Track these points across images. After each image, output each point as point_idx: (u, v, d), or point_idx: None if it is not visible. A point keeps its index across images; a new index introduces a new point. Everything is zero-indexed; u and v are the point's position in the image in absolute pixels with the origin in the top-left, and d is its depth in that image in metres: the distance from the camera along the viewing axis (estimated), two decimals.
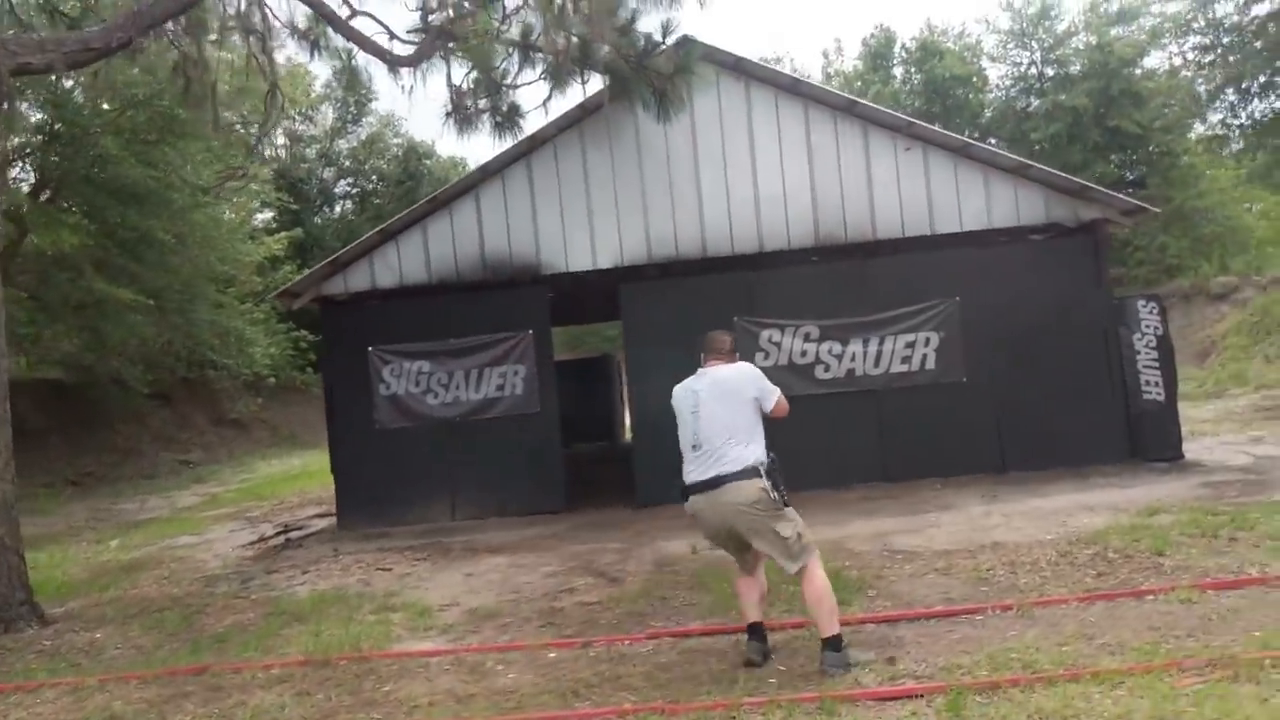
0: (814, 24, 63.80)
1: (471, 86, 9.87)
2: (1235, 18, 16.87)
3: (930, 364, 10.44)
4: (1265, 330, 21.50)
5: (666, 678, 4.65)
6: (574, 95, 9.73)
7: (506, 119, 10.14)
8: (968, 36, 34.78)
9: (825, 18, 62.41)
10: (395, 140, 32.89)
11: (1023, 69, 32.24)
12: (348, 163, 33.19)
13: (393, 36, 9.56)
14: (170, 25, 7.71)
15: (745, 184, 10.54)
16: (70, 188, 16.78)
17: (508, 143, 10.40)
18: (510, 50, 9.50)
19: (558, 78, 9.19)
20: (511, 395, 10.58)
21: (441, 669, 5.09)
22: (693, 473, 4.67)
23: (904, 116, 10.91)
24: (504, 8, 8.84)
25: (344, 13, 9.28)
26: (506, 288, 10.68)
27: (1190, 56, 23.54)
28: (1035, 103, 31.83)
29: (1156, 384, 10.34)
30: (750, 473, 4.51)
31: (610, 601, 6.30)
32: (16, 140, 16.39)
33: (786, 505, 4.58)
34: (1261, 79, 15.91)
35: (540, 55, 9.24)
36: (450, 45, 8.39)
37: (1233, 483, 8.61)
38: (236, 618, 6.67)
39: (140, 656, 5.80)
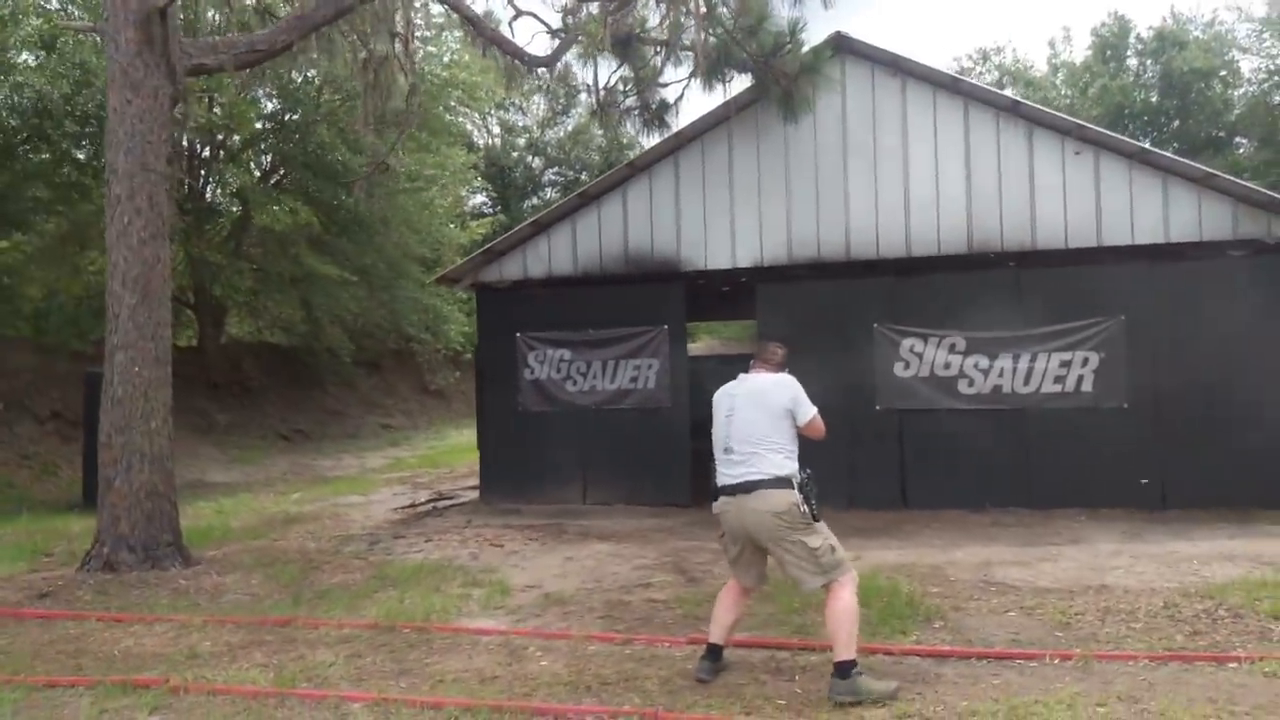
0: (1042, 10, 59.56)
1: (620, 85, 10.19)
2: None
3: (1087, 386, 9.71)
4: None
5: (682, 684, 4.71)
6: (719, 95, 9.88)
7: (655, 116, 10.39)
8: (1219, 25, 31.50)
9: (1055, 5, 58.12)
10: (599, 132, 34.04)
11: (1278, 62, 28.83)
12: (554, 153, 34.65)
13: (553, 34, 10.01)
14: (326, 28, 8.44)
15: (895, 185, 10.20)
16: (294, 172, 18.65)
17: (655, 139, 10.66)
18: (658, 49, 9.72)
19: (706, 76, 9.32)
20: (644, 388, 10.83)
21: (486, 648, 5.40)
22: (723, 476, 4.72)
23: (1073, 119, 10.14)
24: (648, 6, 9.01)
25: (508, 13, 9.84)
26: (645, 282, 10.91)
27: None
28: None
29: None
30: (781, 483, 4.52)
31: (678, 601, 6.41)
32: (257, 127, 18.46)
33: (817, 520, 4.55)
34: None
35: (686, 53, 9.41)
36: (586, 43, 8.66)
37: None
38: (345, 576, 7.33)
39: (250, 602, 6.53)
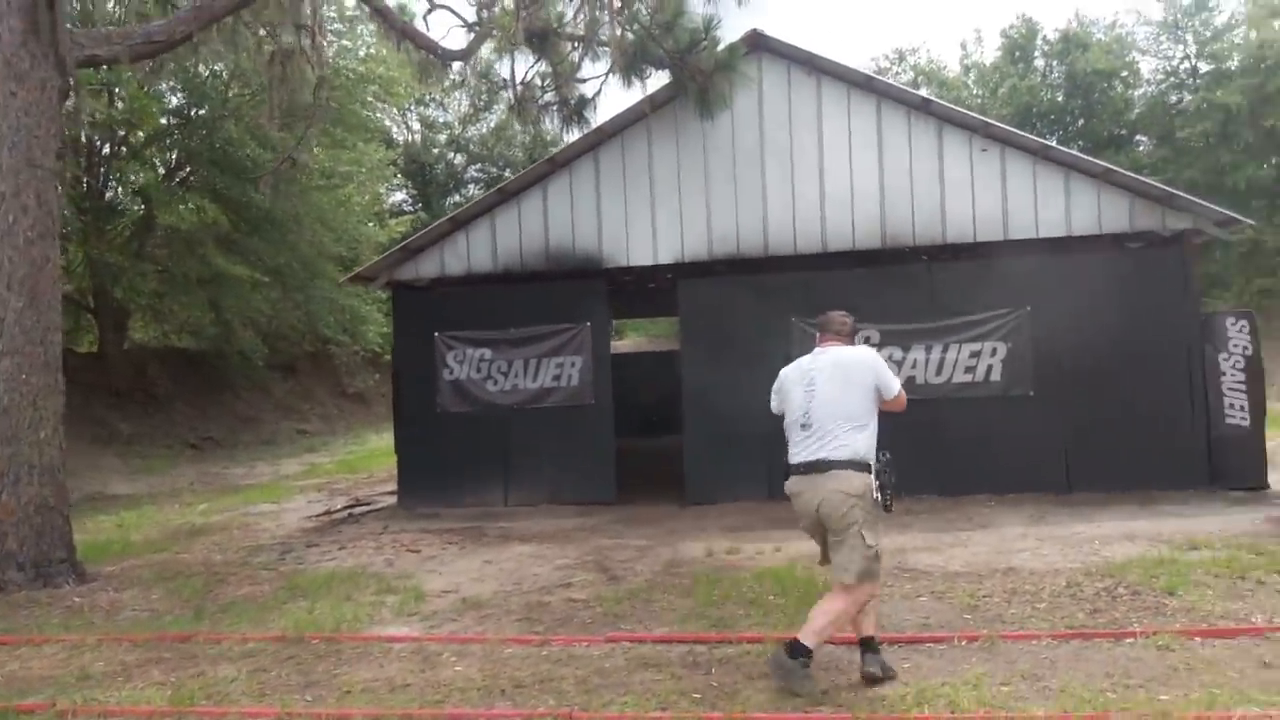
0: (954, 13, 61.24)
1: (539, 80, 10.08)
2: None
3: (995, 375, 9.98)
4: None
5: (598, 683, 4.67)
6: (639, 91, 9.85)
7: (575, 112, 10.30)
8: (1120, 28, 32.71)
9: (967, 7, 59.75)
10: (520, 129, 33.71)
11: (1175, 64, 30.10)
12: (477, 149, 34.23)
13: (469, 28, 9.85)
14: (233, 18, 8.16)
15: (812, 182, 10.31)
16: (200, 169, 18.03)
17: (575, 135, 10.59)
18: (575, 45, 9.64)
19: (625, 73, 9.28)
20: (568, 386, 10.75)
21: (398, 656, 5.26)
22: (799, 453, 4.49)
23: (981, 117, 10.40)
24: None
25: (423, 6, 9.65)
26: (567, 279, 10.83)
27: None
28: (1186, 99, 29.68)
29: (1242, 407, 9.63)
30: (859, 465, 4.34)
31: (598, 600, 6.35)
32: (161, 123, 17.78)
33: (889, 510, 4.43)
34: None
35: (605, 48, 9.35)
36: (501, 38, 8.55)
37: None
38: (252, 588, 7.08)
39: (149, 619, 6.25)
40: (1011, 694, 4.21)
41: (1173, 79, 31.09)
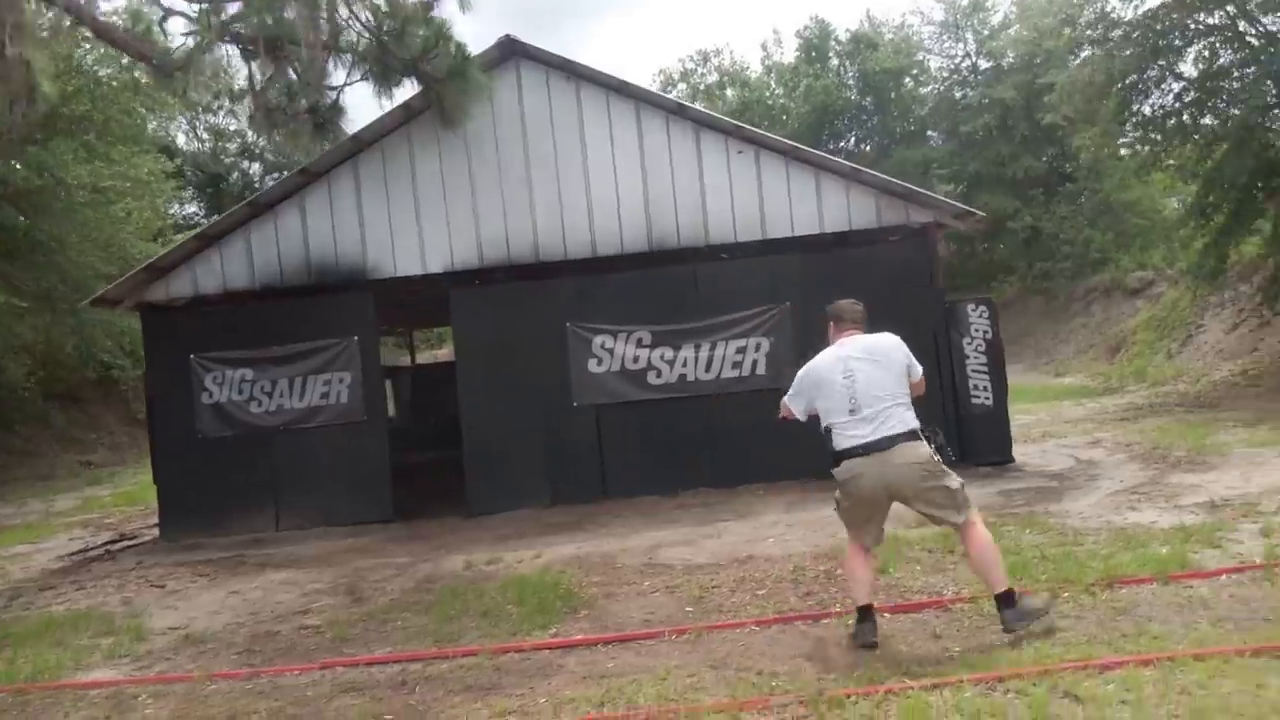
0: (754, 14, 63.54)
1: (286, 88, 9.65)
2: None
3: (761, 369, 10.31)
4: (1170, 326, 21.47)
5: (292, 713, 4.53)
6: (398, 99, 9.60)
7: (326, 119, 9.93)
8: (907, 28, 34.78)
9: (766, 8, 62.05)
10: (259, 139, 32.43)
11: (957, 61, 32.27)
12: (274, 157, 32.78)
13: (189, 35, 9.28)
14: None
15: (578, 187, 10.36)
16: None
17: (326, 145, 10.21)
18: (320, 51, 9.29)
19: (378, 81, 9.00)
20: (337, 403, 10.38)
21: (91, 703, 4.94)
22: (854, 436, 4.60)
23: (733, 121, 10.76)
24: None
25: (158, 13, 9.05)
26: (330, 293, 10.48)
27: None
28: (969, 94, 31.85)
29: (985, 388, 10.28)
30: (915, 436, 4.57)
31: (332, 625, 6.14)
32: None
33: (953, 461, 4.71)
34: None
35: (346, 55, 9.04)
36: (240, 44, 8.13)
37: (1032, 490, 8.58)
38: None
39: None
40: (693, 684, 4.32)
41: (956, 76, 33.26)
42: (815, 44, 33.61)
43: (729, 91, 35.00)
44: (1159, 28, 15.84)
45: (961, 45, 32.32)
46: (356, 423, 10.36)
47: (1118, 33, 16.57)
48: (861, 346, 4.79)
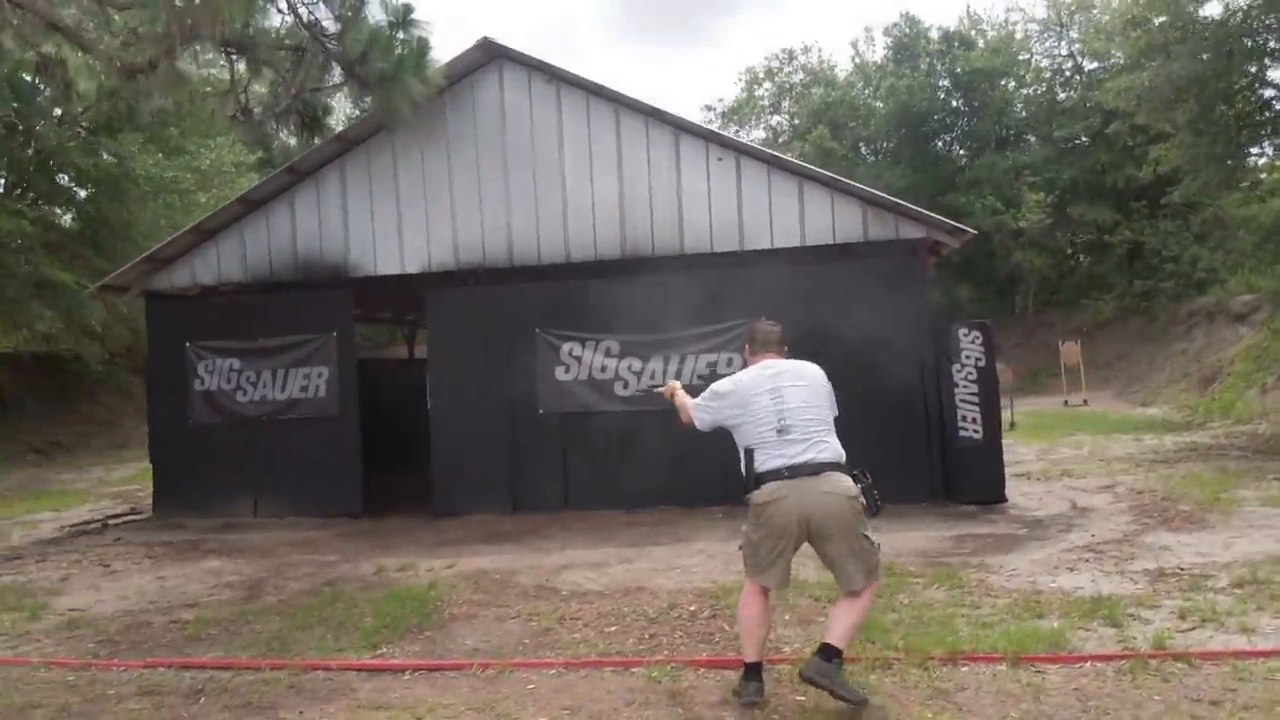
0: (846, 11, 61.38)
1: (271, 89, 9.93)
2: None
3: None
4: (1270, 358, 19.47)
5: (76, 712, 4.65)
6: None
7: (313, 120, 10.16)
8: (1011, 25, 33.18)
9: (862, 4, 59.89)
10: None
11: (1057, 62, 30.59)
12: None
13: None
14: None
15: (554, 191, 10.30)
16: (26, 178, 17.65)
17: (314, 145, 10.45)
18: (293, 52, 9.50)
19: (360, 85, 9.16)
20: (314, 396, 10.67)
21: None
22: (781, 456, 4.23)
23: (708, 127, 10.48)
24: None
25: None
26: (313, 289, 10.76)
27: None
28: (1071, 97, 30.15)
29: (975, 420, 9.62)
30: (844, 467, 4.29)
31: (201, 622, 6.27)
32: None
33: (876, 513, 4.32)
34: None
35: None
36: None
37: (991, 538, 7.94)
38: None
39: None
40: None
41: (1059, 78, 31.52)
42: (906, 43, 32.42)
43: (815, 92, 34.13)
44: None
45: (1065, 44, 30.64)
46: (331, 417, 10.62)
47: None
48: (791, 368, 4.50)
